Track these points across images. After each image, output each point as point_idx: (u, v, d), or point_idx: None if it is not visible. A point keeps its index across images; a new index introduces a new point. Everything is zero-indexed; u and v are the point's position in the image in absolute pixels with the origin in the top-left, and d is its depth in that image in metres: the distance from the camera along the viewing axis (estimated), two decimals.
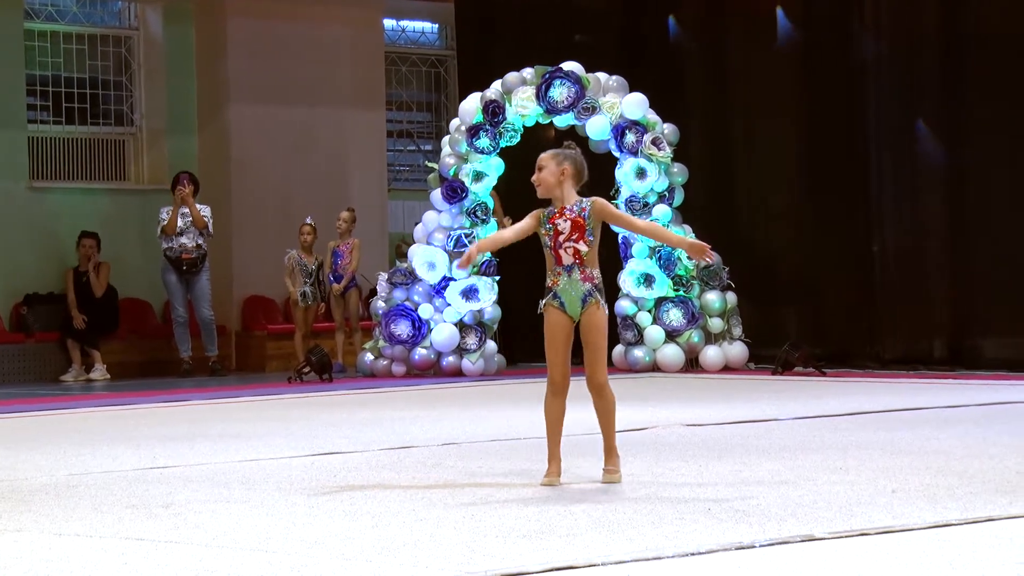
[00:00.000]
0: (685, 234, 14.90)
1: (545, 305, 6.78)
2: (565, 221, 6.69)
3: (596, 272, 6.69)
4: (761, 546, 4.92)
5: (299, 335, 16.15)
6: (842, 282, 14.93)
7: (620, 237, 14.65)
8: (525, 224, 6.88)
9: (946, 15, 14.19)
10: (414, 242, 15.24)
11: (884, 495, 5.96)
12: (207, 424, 10.27)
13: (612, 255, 14.28)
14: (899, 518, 5.38)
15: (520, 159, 15.49)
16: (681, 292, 14.82)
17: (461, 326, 14.88)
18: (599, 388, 6.68)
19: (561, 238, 6.68)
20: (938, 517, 5.38)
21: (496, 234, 6.93)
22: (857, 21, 14.83)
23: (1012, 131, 13.70)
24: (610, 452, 6.72)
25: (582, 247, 6.66)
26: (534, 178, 6.87)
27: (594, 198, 6.78)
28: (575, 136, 15.06)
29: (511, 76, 14.89)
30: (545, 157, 6.86)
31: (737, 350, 14.87)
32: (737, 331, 14.93)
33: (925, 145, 14.36)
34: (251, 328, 17.67)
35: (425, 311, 14.89)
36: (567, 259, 6.66)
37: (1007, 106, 13.71)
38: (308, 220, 16.27)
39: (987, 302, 13.94)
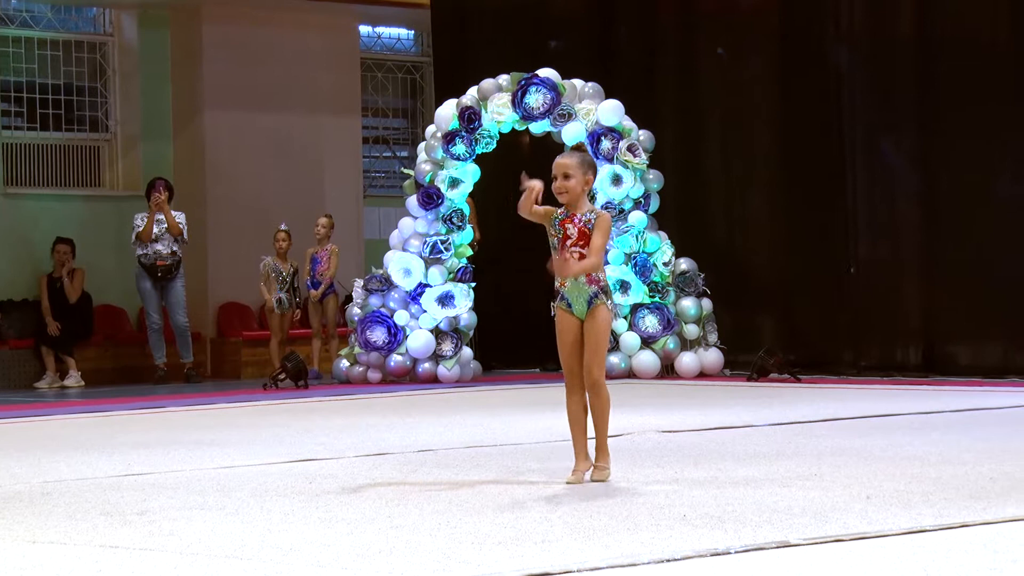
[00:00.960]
0: (660, 242, 14.93)
1: (555, 307, 6.99)
2: (574, 228, 6.88)
3: (601, 275, 6.92)
4: (736, 552, 4.92)
5: (274, 342, 16.11)
6: (817, 289, 14.96)
7: None
8: (542, 210, 6.94)
9: (920, 21, 14.24)
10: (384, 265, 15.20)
11: (859, 501, 5.97)
12: (182, 431, 10.24)
13: None
14: (874, 524, 5.39)
15: (496, 166, 15.51)
16: (657, 299, 14.83)
17: (437, 332, 14.88)
18: (594, 384, 6.90)
19: (569, 242, 6.88)
20: (913, 523, 5.39)
21: (529, 204, 6.90)
22: (832, 28, 14.88)
23: (987, 137, 13.75)
24: (601, 450, 6.93)
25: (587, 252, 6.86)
26: (558, 184, 6.92)
27: (601, 213, 6.97)
28: (550, 142, 15.08)
29: (487, 82, 14.90)
30: (572, 165, 6.90)
31: (712, 356, 14.89)
32: (712, 337, 14.95)
33: (900, 153, 14.40)
34: (226, 335, 17.63)
35: (401, 318, 14.88)
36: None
37: (982, 112, 13.76)
38: (283, 227, 16.24)
39: (961, 309, 13.98)
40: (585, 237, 6.85)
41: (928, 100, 14.13)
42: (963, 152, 13.88)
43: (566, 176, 6.88)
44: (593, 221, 6.88)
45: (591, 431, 7.00)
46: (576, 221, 6.87)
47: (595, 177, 7.03)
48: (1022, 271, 13.56)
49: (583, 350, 6.90)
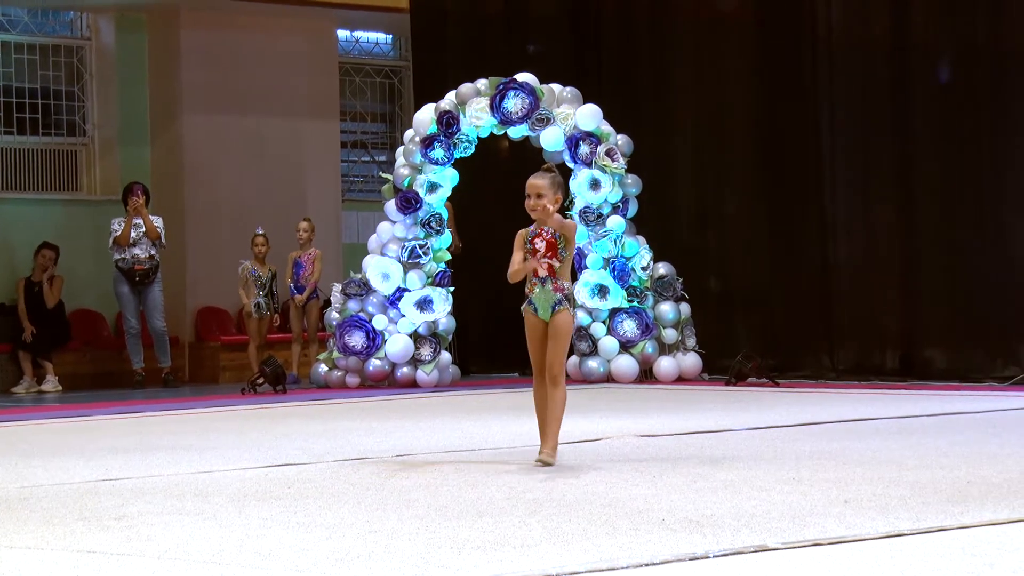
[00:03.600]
0: (639, 246, 14.95)
1: (524, 309, 7.76)
2: (542, 241, 7.65)
3: (566, 283, 7.68)
4: (715, 556, 4.93)
5: (253, 346, 16.09)
6: (795, 292, 14.98)
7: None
8: (520, 249, 7.73)
9: (896, 24, 14.26)
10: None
11: (837, 505, 5.98)
12: (160, 436, 10.21)
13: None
14: (852, 528, 5.40)
15: (474, 170, 15.52)
16: (635, 303, 14.84)
17: (415, 337, 14.87)
18: (554, 379, 7.67)
19: (539, 255, 7.64)
20: (890, 527, 5.40)
21: (517, 269, 7.74)
22: (809, 30, 14.89)
23: (966, 141, 13.77)
24: (549, 438, 7.62)
25: (555, 263, 7.65)
26: (531, 203, 7.64)
27: (565, 221, 7.70)
28: (529, 148, 15.09)
29: (465, 87, 14.90)
30: (543, 185, 7.64)
31: (691, 361, 14.91)
32: (691, 342, 14.96)
33: (876, 155, 14.42)
34: (204, 339, 17.61)
35: (379, 322, 14.87)
36: (542, 272, 7.65)
37: (961, 115, 13.78)
38: (259, 230, 16.21)
39: (940, 313, 14.00)
40: (553, 248, 7.62)
41: (906, 102, 14.15)
42: (943, 155, 13.90)
43: (539, 196, 7.61)
44: (558, 233, 7.64)
45: (534, 443, 7.71)
46: (544, 234, 7.63)
47: (563, 195, 7.74)
48: (1001, 275, 13.59)
49: (546, 346, 7.68)
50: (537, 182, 7.63)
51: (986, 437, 8.83)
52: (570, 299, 7.69)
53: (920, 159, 14.07)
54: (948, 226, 13.88)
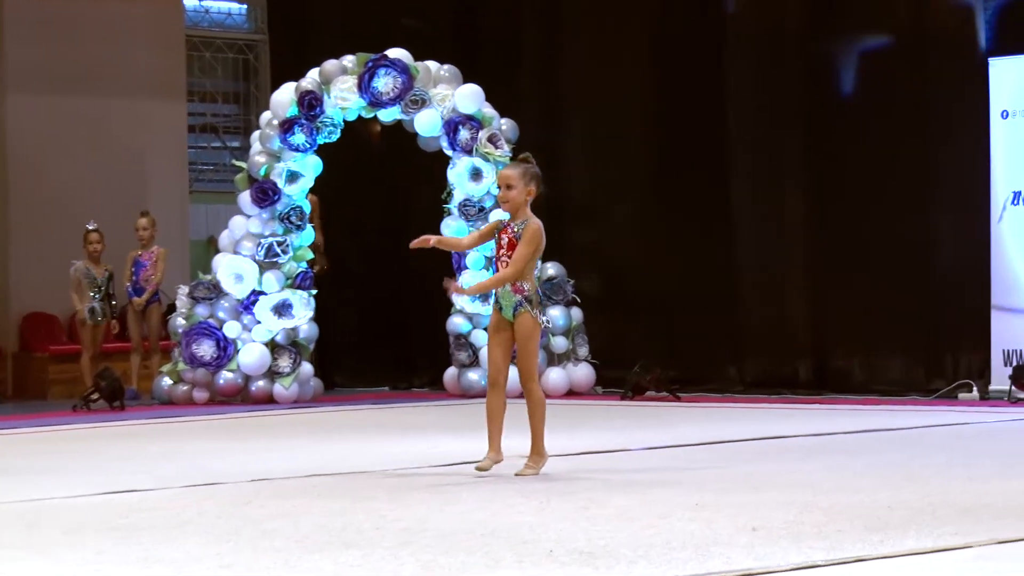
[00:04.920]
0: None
1: (492, 307, 8.29)
2: (505, 238, 8.19)
3: (527, 285, 8.17)
4: None
5: (86, 357, 15.92)
6: (699, 298, 15.08)
7: None
8: (484, 230, 8.43)
9: (808, 9, 14.41)
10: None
11: (745, 534, 6.04)
12: None
13: (445, 266, 14.18)
14: (761, 559, 5.45)
15: (340, 157, 15.47)
16: None
17: (272, 346, 14.80)
18: (526, 387, 8.23)
19: (500, 251, 8.19)
20: (804, 558, 5.46)
21: (454, 238, 8.50)
22: (714, 11, 14.99)
23: (881, 134, 13.94)
24: (534, 449, 8.23)
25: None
26: (500, 195, 8.26)
27: (529, 221, 8.18)
28: (403, 133, 15.08)
29: (330, 64, 14.86)
30: (513, 176, 8.17)
31: (583, 372, 14.97)
32: (583, 351, 15.02)
33: (786, 152, 14.56)
34: (31, 349, 17.40)
35: (231, 329, 14.78)
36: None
37: (875, 108, 13.96)
38: (91, 226, 16.02)
39: (856, 320, 14.17)
40: (513, 246, 8.11)
41: (817, 92, 14.31)
42: (858, 149, 14.05)
43: (508, 187, 8.16)
44: (520, 231, 8.13)
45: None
46: (509, 231, 8.16)
47: (537, 187, 8.22)
48: (923, 280, 13.76)
49: (508, 348, 8.21)
50: (507, 172, 8.21)
51: (909, 457, 8.96)
52: (531, 300, 8.16)
53: (833, 153, 14.21)
54: (865, 227, 14.04)
